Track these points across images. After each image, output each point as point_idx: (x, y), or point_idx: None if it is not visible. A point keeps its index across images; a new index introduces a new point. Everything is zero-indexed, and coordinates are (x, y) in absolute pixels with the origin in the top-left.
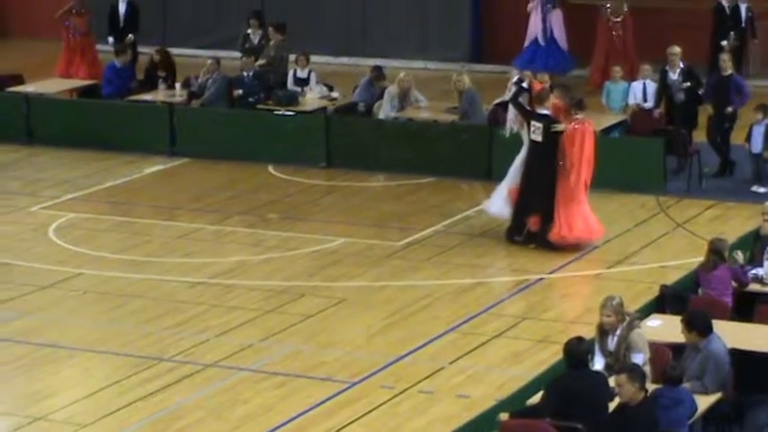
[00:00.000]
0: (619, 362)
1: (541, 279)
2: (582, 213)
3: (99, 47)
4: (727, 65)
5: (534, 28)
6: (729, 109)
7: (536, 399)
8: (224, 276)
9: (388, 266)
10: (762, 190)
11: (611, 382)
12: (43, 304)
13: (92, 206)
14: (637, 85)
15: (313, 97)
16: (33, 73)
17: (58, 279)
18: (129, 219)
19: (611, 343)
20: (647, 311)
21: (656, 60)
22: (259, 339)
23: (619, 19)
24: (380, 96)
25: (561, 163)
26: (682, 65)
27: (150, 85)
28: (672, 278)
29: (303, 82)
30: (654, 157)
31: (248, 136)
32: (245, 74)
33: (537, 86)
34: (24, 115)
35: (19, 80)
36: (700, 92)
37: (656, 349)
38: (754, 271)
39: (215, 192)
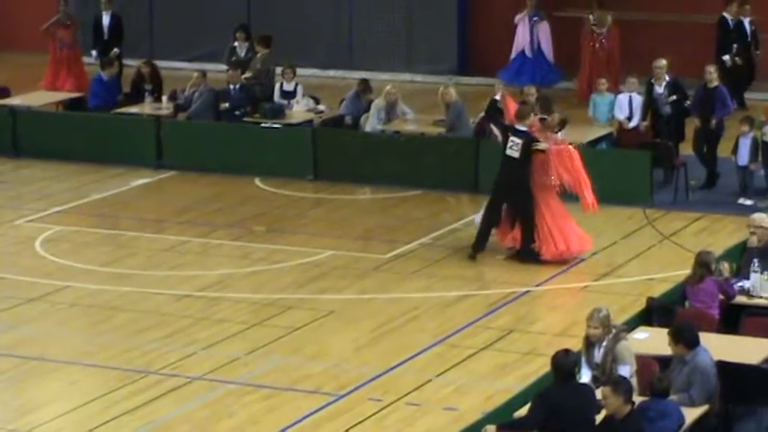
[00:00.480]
0: (605, 374)
1: (528, 291)
2: (573, 227)
3: (85, 59)
4: (712, 77)
5: (521, 40)
6: (713, 121)
7: (523, 411)
8: (211, 289)
9: (375, 279)
10: (748, 202)
11: (598, 394)
12: (30, 317)
13: (78, 219)
14: (623, 98)
15: (300, 110)
16: (19, 86)
17: (44, 292)
18: (116, 231)
19: (598, 355)
20: (633, 324)
21: (642, 73)
22: (246, 352)
23: (603, 31)
24: (367, 109)
25: (554, 181)
26: (668, 78)
27: (137, 97)
28: (659, 291)
29: (290, 95)
30: (641, 169)
31: (235, 149)
32: (231, 87)
33: (512, 103)
34: (10, 128)
35: (5, 93)
36: (686, 104)
37: (643, 362)
38: (740, 283)
39: (202, 205)
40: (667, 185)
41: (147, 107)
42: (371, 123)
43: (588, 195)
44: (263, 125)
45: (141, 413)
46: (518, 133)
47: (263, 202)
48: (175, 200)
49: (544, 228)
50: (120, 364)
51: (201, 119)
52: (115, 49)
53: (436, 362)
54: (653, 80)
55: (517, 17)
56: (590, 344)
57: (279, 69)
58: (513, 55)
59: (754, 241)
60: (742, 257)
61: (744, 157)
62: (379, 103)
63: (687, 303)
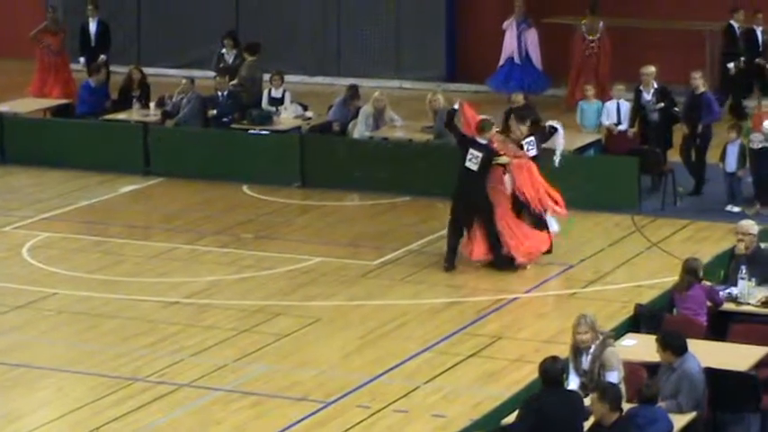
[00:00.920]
0: (593, 381)
1: (516, 298)
2: (530, 229)
3: (73, 66)
4: (698, 83)
5: (509, 46)
6: (700, 128)
7: (511, 418)
8: (199, 296)
9: (363, 286)
10: (736, 209)
11: (587, 401)
12: (17, 324)
13: (66, 226)
14: (611, 105)
15: (287, 117)
16: (7, 92)
17: (31, 299)
18: (104, 238)
19: (585, 362)
20: (621, 331)
21: (631, 80)
22: (234, 359)
23: (595, 37)
24: (355, 116)
25: (506, 189)
26: (656, 84)
27: (125, 104)
28: (647, 297)
29: (278, 101)
30: (628, 176)
31: (223, 155)
32: (219, 93)
33: (470, 112)
34: None
35: None
36: (675, 111)
37: (631, 368)
38: (728, 290)
39: (189, 211)
40: (655, 192)
41: (134, 114)
42: (359, 130)
43: (553, 205)
44: (250, 132)
45: (129, 420)
46: (478, 146)
47: (251, 208)
48: (163, 207)
49: (507, 231)
50: (108, 372)
51: (189, 125)
52: (102, 56)
53: (424, 369)
54: (641, 87)
55: (505, 23)
56: (577, 351)
57: (267, 76)
58: (501, 61)
59: (741, 248)
60: (730, 264)
61: (732, 164)
62: (367, 109)
63: (675, 310)
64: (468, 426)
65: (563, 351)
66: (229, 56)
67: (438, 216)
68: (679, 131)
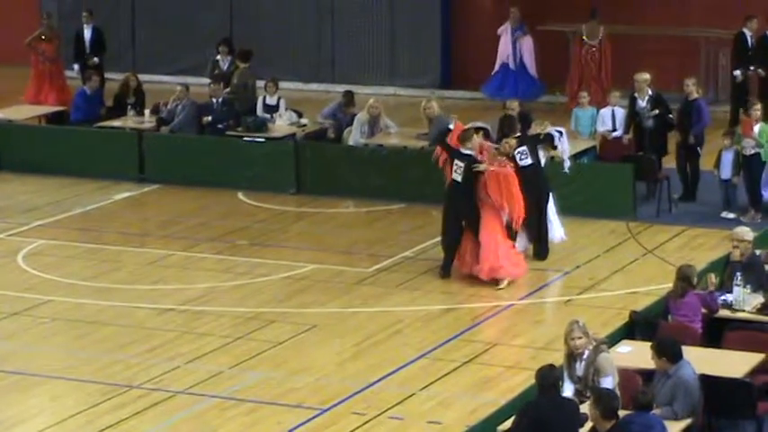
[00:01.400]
0: (588, 387)
1: (512, 305)
2: (512, 253)
3: (68, 73)
4: (690, 89)
5: (504, 51)
6: (691, 139)
7: (507, 425)
8: (194, 303)
9: (358, 293)
10: (731, 216)
11: (583, 407)
12: (12, 331)
13: (61, 233)
14: (605, 112)
15: (282, 124)
16: (1, 99)
17: (26, 306)
18: (99, 245)
19: (580, 368)
20: (616, 338)
21: (627, 87)
22: (229, 366)
23: (594, 42)
24: (350, 123)
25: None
26: (650, 92)
27: (119, 111)
28: (642, 304)
29: (272, 108)
30: (623, 183)
31: (218, 162)
32: (214, 100)
33: (458, 126)
34: None
35: None
36: (669, 117)
37: (626, 375)
38: (723, 297)
39: (184, 218)
40: (650, 199)
41: (129, 121)
42: (354, 137)
43: (517, 213)
44: (245, 139)
45: (124, 427)
46: (461, 156)
47: (245, 215)
48: (158, 213)
49: (486, 246)
50: (103, 379)
51: (184, 132)
52: (94, 59)
53: (420, 375)
54: (635, 94)
55: (500, 28)
56: (572, 358)
57: (261, 83)
58: (496, 67)
59: (736, 255)
60: (725, 271)
61: (726, 171)
62: (361, 116)
63: (670, 317)
64: None
65: (558, 358)
66: (224, 63)
67: (433, 223)
68: (674, 138)
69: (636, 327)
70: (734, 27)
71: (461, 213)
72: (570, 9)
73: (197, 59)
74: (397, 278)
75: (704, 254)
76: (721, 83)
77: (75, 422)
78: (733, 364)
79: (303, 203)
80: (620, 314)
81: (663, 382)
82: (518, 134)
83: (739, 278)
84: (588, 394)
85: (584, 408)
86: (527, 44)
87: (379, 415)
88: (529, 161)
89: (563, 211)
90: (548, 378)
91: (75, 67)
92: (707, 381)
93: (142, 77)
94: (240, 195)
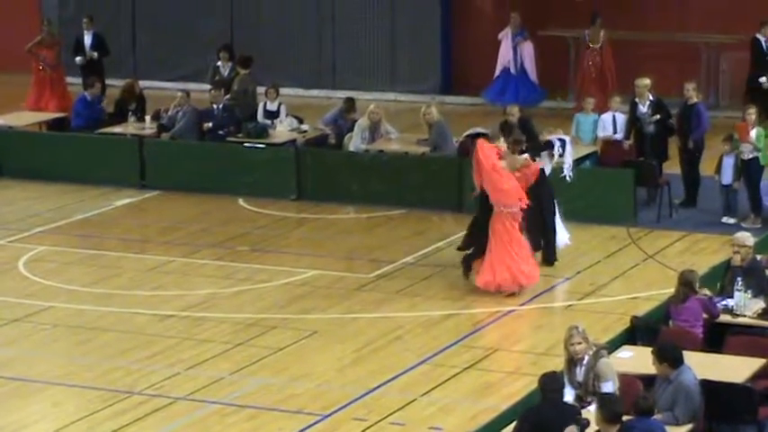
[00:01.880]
0: (588, 392)
1: (513, 311)
2: (515, 267)
3: (69, 78)
4: (690, 94)
5: (505, 56)
6: (690, 144)
7: (508, 430)
8: (194, 309)
9: (359, 299)
10: (732, 221)
11: (584, 413)
12: (13, 337)
13: (62, 239)
14: (606, 117)
15: (283, 130)
16: (2, 106)
17: (27, 312)
18: (100, 252)
19: (580, 374)
20: (617, 343)
21: (628, 92)
22: (230, 372)
23: (596, 47)
24: (351, 129)
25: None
26: (651, 97)
27: (120, 117)
28: (643, 309)
29: (273, 114)
30: (624, 188)
31: (218, 169)
32: (214, 106)
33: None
34: None
35: None
36: (670, 122)
37: (627, 381)
38: (724, 302)
39: (185, 224)
40: (651, 204)
41: (130, 127)
42: (355, 143)
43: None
44: (246, 145)
45: None
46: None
47: (246, 221)
48: (159, 220)
49: (494, 256)
50: (104, 385)
51: (185, 139)
52: (94, 54)
53: (421, 381)
54: (636, 99)
55: (501, 34)
56: (572, 363)
57: (262, 89)
58: (497, 72)
59: (737, 260)
60: (725, 276)
61: (727, 176)
62: (362, 122)
63: (671, 322)
64: None
65: (559, 364)
66: (225, 69)
67: (434, 228)
68: (675, 144)
69: (637, 332)
70: (734, 32)
71: (479, 220)
72: (571, 14)
73: (198, 66)
74: (398, 284)
75: (705, 259)
76: (721, 88)
77: (75, 428)
78: (734, 369)
79: (304, 209)
80: (621, 319)
81: (664, 388)
82: (516, 138)
83: (740, 283)
84: (589, 399)
85: (585, 413)
86: (528, 49)
87: (379, 421)
88: None
89: (564, 216)
90: (551, 385)
91: (78, 59)
92: (708, 386)
93: (143, 84)
94: (241, 201)
